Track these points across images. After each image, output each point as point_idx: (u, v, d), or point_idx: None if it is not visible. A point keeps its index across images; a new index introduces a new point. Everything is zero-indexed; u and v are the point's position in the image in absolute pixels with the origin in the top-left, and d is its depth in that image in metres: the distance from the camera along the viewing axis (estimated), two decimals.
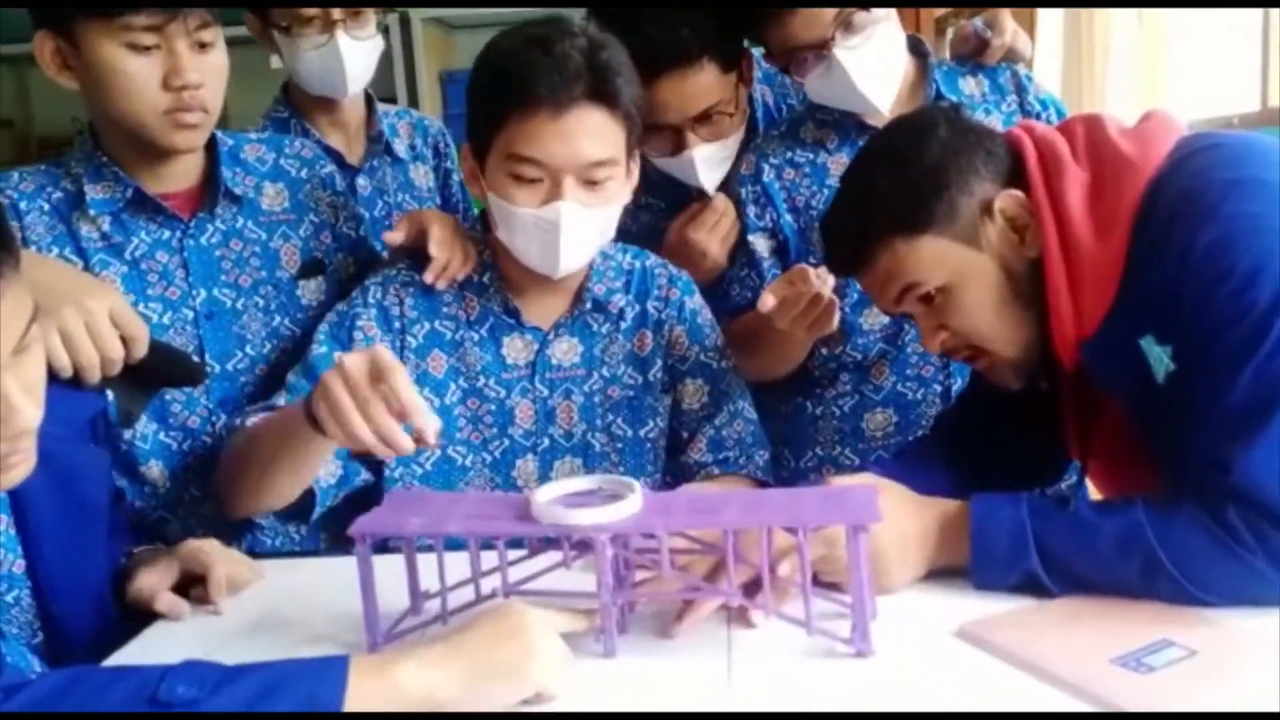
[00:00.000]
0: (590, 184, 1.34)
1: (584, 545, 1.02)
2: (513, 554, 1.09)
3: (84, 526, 1.18)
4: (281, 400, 1.40)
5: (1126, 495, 1.10)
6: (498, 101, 1.32)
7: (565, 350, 1.48)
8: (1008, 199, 1.15)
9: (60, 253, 1.42)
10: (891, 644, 1.00)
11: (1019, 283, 1.16)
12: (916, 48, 1.68)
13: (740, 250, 1.71)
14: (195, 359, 1.43)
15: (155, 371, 1.28)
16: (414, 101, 3.59)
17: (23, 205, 1.42)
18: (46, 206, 1.43)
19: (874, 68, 1.56)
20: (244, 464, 1.33)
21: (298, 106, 1.94)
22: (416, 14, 3.44)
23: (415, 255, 1.48)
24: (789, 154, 1.67)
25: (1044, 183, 1.14)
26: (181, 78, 1.35)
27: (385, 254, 1.62)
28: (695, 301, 1.55)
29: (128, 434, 1.44)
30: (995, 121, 1.65)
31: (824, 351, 1.66)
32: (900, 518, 1.11)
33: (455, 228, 1.50)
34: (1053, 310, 1.13)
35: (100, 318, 1.19)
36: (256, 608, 1.22)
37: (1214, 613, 1.01)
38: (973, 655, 0.99)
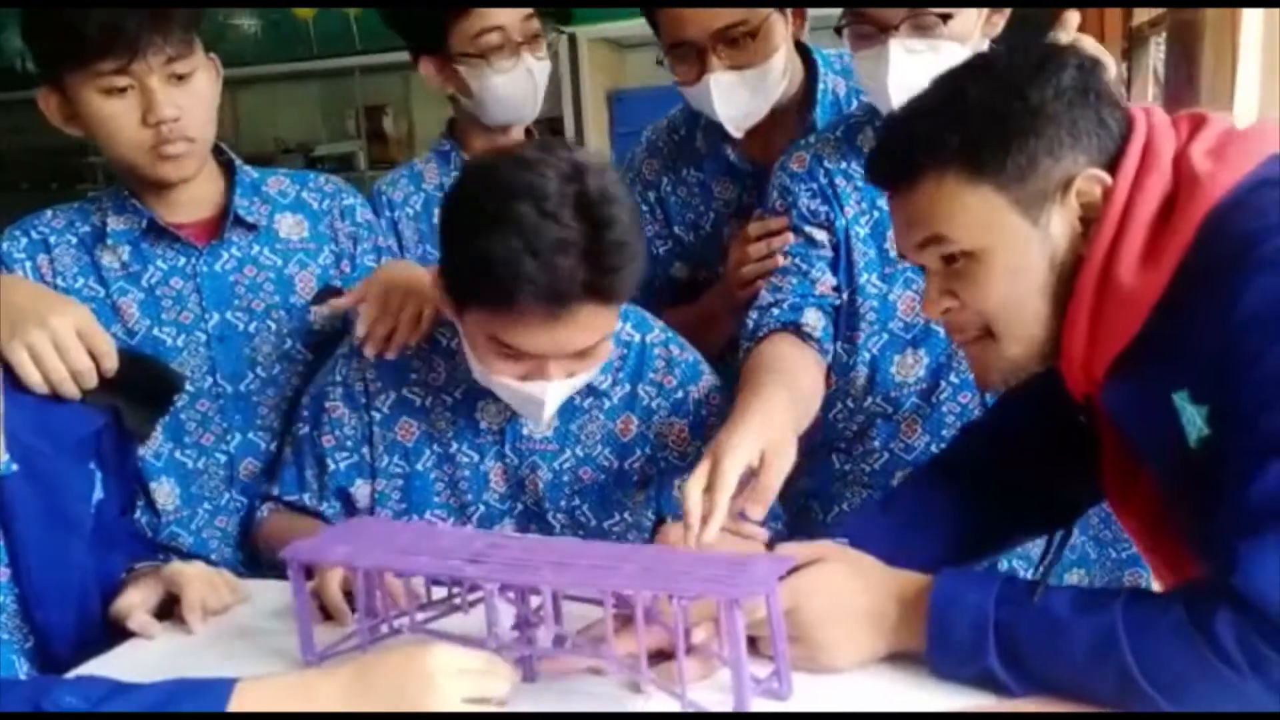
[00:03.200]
0: (580, 357, 1.26)
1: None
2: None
3: (65, 538, 1.25)
4: (279, 480, 1.48)
5: (1108, 590, 0.99)
6: (476, 289, 1.22)
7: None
8: (1095, 182, 0.98)
9: (85, 282, 1.52)
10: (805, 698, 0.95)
11: (1058, 278, 1.00)
12: None
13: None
14: (173, 369, 1.48)
15: (134, 383, 1.34)
16: (580, 121, 3.61)
17: (52, 240, 1.53)
18: (74, 240, 1.53)
19: (917, 83, 1.47)
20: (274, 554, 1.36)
21: (461, 139, 1.96)
22: (584, 33, 3.46)
23: None
24: (844, 163, 1.53)
25: (1134, 179, 0.98)
26: (156, 114, 1.41)
27: None
28: (701, 389, 1.44)
29: (142, 451, 1.52)
30: None
31: (850, 404, 1.55)
32: (848, 591, 1.02)
33: (404, 289, 1.44)
34: (1067, 330, 1.00)
35: (65, 334, 1.26)
36: (230, 624, 1.26)
37: None
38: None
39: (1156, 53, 2.68)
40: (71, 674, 1.14)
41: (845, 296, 1.51)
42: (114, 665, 1.18)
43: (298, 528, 1.39)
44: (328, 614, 1.18)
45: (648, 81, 3.25)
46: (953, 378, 1.51)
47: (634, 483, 1.42)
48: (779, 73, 1.63)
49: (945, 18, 1.37)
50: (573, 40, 3.45)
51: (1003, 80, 1.00)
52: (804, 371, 1.40)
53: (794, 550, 1.06)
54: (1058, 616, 0.92)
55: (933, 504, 1.23)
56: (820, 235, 1.51)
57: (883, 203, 1.48)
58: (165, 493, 1.55)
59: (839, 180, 1.52)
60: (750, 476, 1.15)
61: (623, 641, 0.99)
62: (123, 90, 1.41)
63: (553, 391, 1.27)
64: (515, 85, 1.83)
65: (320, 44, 4.13)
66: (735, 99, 1.61)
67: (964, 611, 0.96)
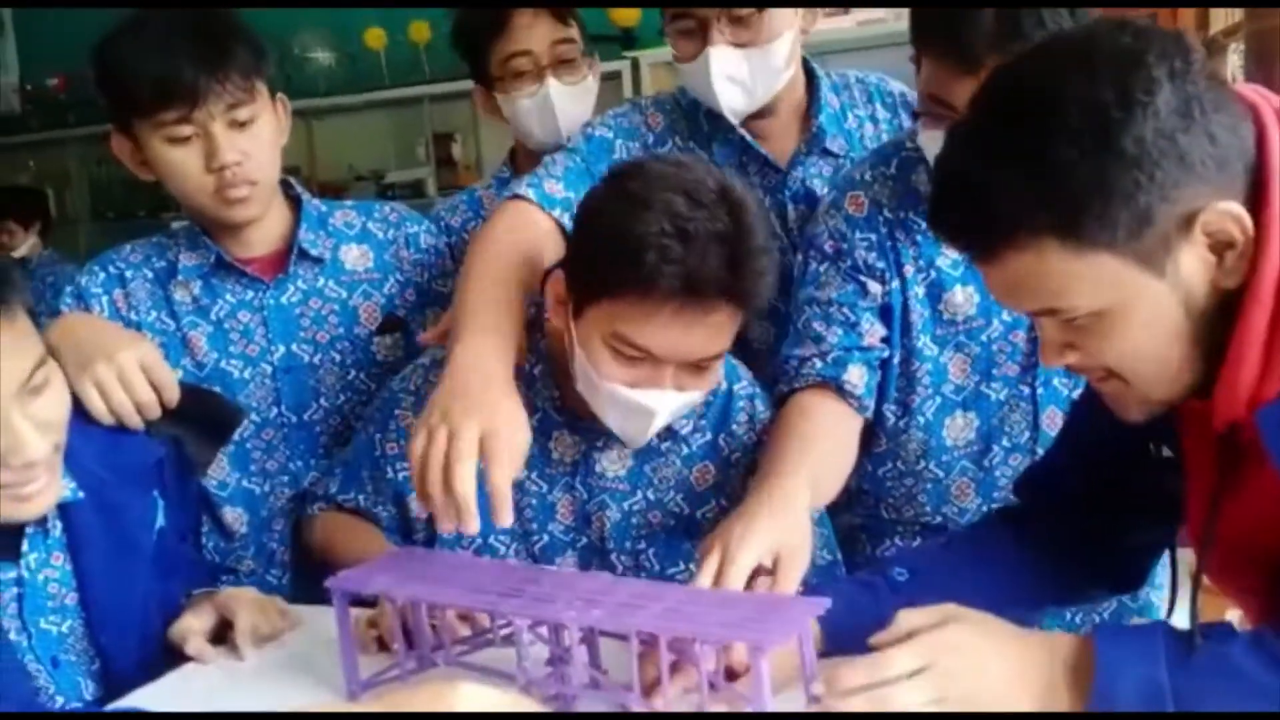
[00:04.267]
0: (696, 370, 1.23)
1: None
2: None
3: (129, 564, 1.29)
4: (335, 478, 1.48)
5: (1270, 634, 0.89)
6: (617, 278, 1.18)
7: (613, 459, 1.38)
8: (1222, 216, 0.85)
9: (158, 316, 1.57)
10: None
11: (1197, 317, 0.88)
12: None
13: (830, 292, 1.44)
14: (232, 402, 1.53)
15: (195, 415, 1.38)
16: None
17: (128, 274, 1.58)
18: (150, 275, 1.59)
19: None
20: (325, 554, 1.41)
21: (519, 167, 1.98)
22: (646, 57, 3.50)
23: None
24: (903, 212, 1.42)
25: None
26: (219, 159, 1.45)
27: None
28: None
29: (209, 480, 1.56)
30: None
31: (901, 466, 1.50)
32: (995, 651, 0.93)
33: None
34: (1233, 358, 0.87)
35: (130, 368, 1.30)
36: (280, 652, 1.29)
37: None
38: None
39: (1235, 61, 2.56)
40: (127, 699, 1.19)
41: (900, 358, 1.45)
42: (167, 690, 1.22)
43: (349, 530, 1.39)
44: (383, 645, 1.19)
45: None
46: (1004, 441, 1.47)
47: (703, 533, 1.35)
48: (782, 59, 1.55)
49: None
50: (635, 65, 3.48)
51: (1090, 125, 0.83)
52: (839, 439, 1.36)
53: (918, 613, 0.97)
54: (1248, 674, 0.86)
55: (996, 547, 1.18)
56: (874, 288, 1.43)
57: (941, 262, 1.43)
58: (232, 519, 1.59)
59: (899, 235, 1.43)
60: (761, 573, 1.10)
61: (649, 678, 0.97)
62: (186, 139, 1.45)
63: (665, 403, 1.23)
64: (537, 110, 1.84)
65: (391, 74, 4.26)
66: (735, 77, 1.53)
67: (1134, 684, 0.88)
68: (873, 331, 1.43)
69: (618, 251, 1.17)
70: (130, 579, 1.29)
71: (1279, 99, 0.90)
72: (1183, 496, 1.02)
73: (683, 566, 1.38)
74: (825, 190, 1.60)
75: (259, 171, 1.50)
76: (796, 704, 0.96)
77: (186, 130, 1.45)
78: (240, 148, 1.47)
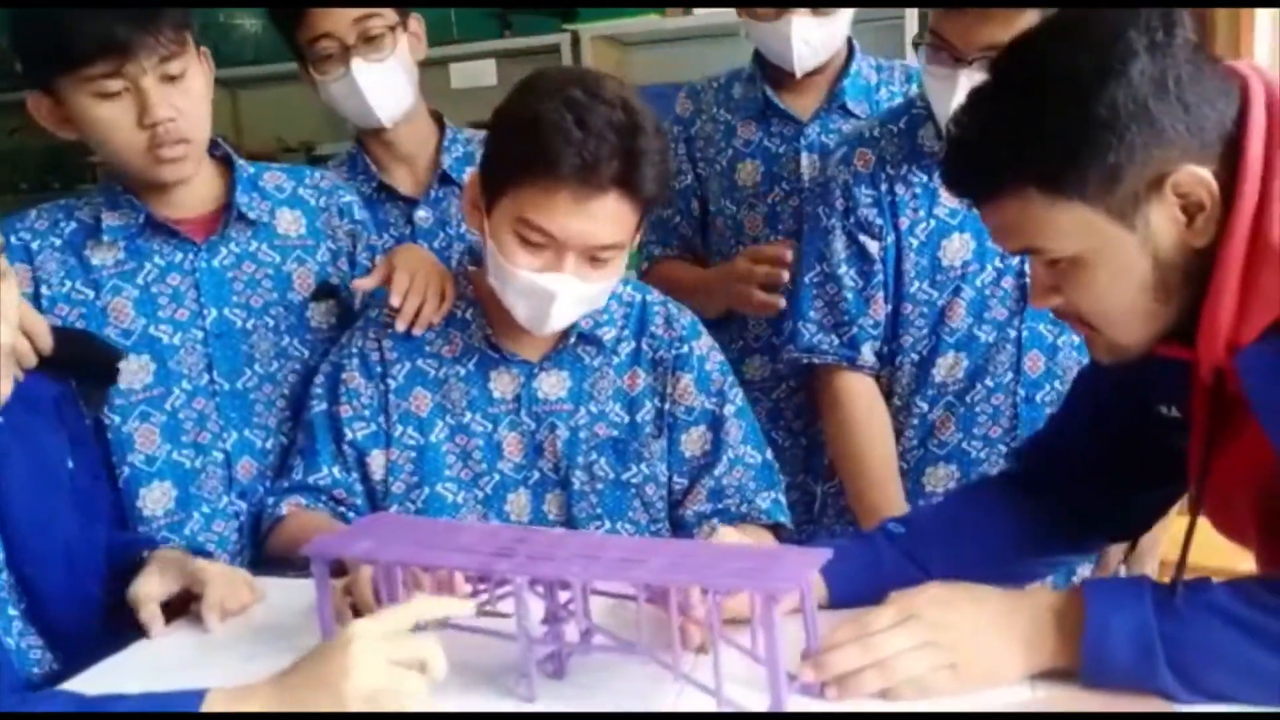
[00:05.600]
0: (595, 261, 1.32)
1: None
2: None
3: (48, 496, 1.23)
4: (298, 465, 1.47)
5: (1254, 581, 0.94)
6: (521, 161, 1.28)
7: (553, 383, 1.46)
8: (1191, 178, 0.91)
9: (73, 286, 1.48)
10: None
11: (1166, 272, 0.95)
12: None
13: (838, 247, 1.62)
14: (110, 341, 1.45)
15: (74, 359, 1.31)
16: None
17: (34, 245, 1.49)
18: (59, 243, 1.50)
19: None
20: (290, 552, 1.36)
21: (362, 142, 1.92)
22: (587, 31, 3.41)
23: None
24: (904, 168, 1.58)
25: (1265, 150, 0.91)
26: (151, 115, 1.38)
27: None
28: (702, 345, 1.49)
29: (131, 458, 1.50)
30: None
31: (895, 402, 1.64)
32: (985, 604, 0.99)
33: (425, 269, 1.49)
34: (1209, 309, 0.93)
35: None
36: (249, 624, 1.25)
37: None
38: None
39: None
40: (92, 671, 1.15)
41: (892, 306, 1.59)
42: (135, 663, 1.17)
43: (318, 524, 1.38)
44: (358, 612, 1.16)
45: (652, 80, 3.25)
46: (988, 380, 1.59)
47: (647, 434, 1.46)
48: (846, 24, 1.77)
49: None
50: (576, 39, 3.44)
51: (1068, 91, 0.92)
52: (881, 435, 1.62)
53: (911, 595, 1.01)
54: (1229, 614, 0.90)
55: (988, 510, 1.22)
56: (872, 247, 1.59)
57: (939, 210, 1.57)
58: (157, 497, 1.52)
59: (899, 189, 1.59)
60: None
61: (654, 633, 0.98)
62: (116, 93, 1.38)
63: (565, 286, 1.31)
64: (348, 92, 1.76)
65: None
66: (810, 41, 1.74)
67: (1124, 628, 0.92)
68: (877, 299, 1.60)
69: (522, 138, 1.27)
70: (50, 512, 1.23)
71: (1276, 74, 0.96)
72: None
73: (634, 469, 1.45)
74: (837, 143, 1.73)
75: (192, 128, 1.44)
76: (793, 645, 0.98)
77: (116, 85, 1.38)
78: (173, 103, 1.40)
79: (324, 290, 1.61)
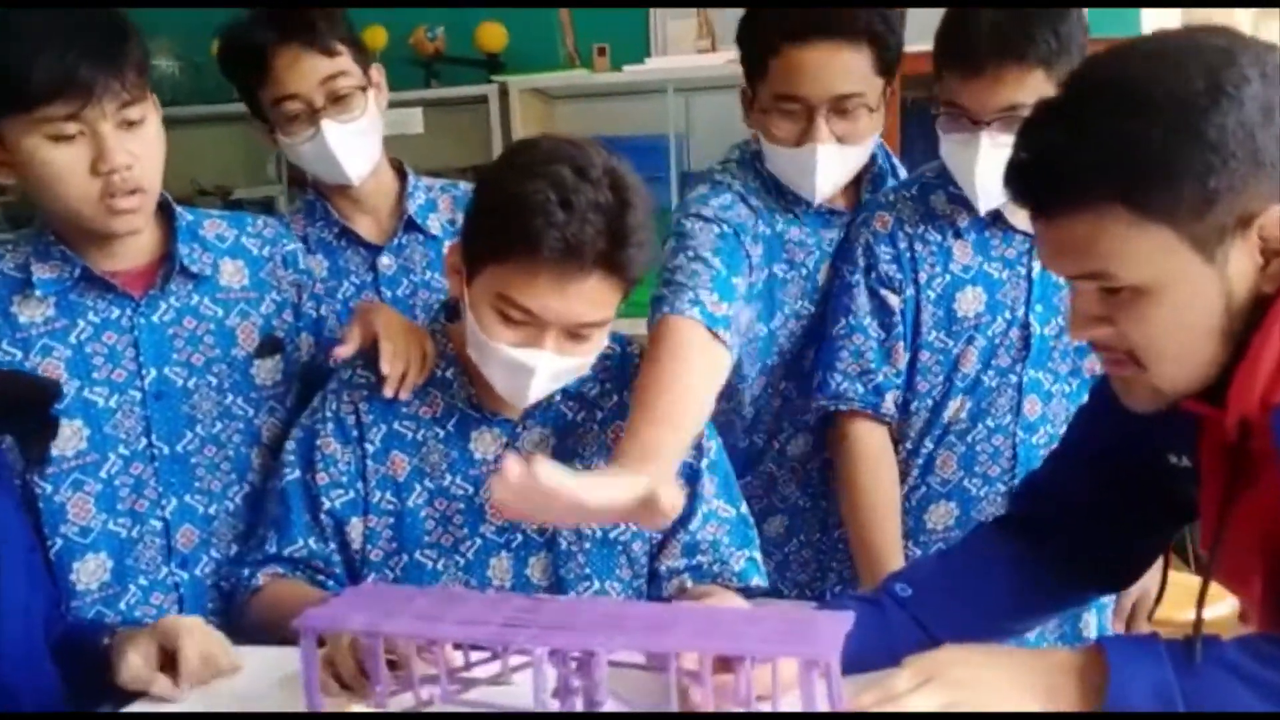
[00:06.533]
0: (576, 338, 1.29)
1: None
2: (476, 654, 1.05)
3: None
4: (270, 537, 1.39)
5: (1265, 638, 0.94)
6: (503, 238, 1.25)
7: (537, 441, 1.40)
8: (1277, 221, 0.89)
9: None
10: None
11: (1233, 314, 0.92)
12: None
13: (862, 301, 1.64)
14: (42, 377, 1.35)
15: (10, 403, 1.24)
16: None
17: None
18: None
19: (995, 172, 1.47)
20: (271, 623, 1.31)
21: (322, 189, 1.82)
22: (515, 84, 3.41)
23: (372, 353, 1.42)
24: (921, 227, 1.64)
25: None
26: (108, 162, 1.30)
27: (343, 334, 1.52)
28: None
29: (64, 530, 1.38)
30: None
31: (906, 445, 1.68)
32: (1002, 662, 0.98)
33: (408, 329, 1.44)
34: (1252, 355, 0.91)
35: None
36: (228, 694, 1.17)
37: None
38: None
39: None
40: None
41: (910, 356, 1.64)
42: None
43: (300, 593, 1.31)
44: (340, 684, 1.09)
45: (577, 132, 3.27)
46: (989, 421, 1.65)
47: None
48: (866, 156, 1.66)
49: None
50: (504, 91, 3.42)
51: (1175, 109, 0.88)
52: (890, 480, 1.64)
53: (930, 659, 0.99)
54: (1243, 672, 0.91)
55: (992, 554, 1.22)
56: (893, 301, 1.63)
57: (954, 266, 1.63)
58: (92, 569, 1.40)
59: (917, 246, 1.64)
60: None
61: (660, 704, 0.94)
62: (71, 137, 1.29)
63: (544, 362, 1.27)
64: (317, 153, 1.69)
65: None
66: (832, 171, 1.61)
67: (1146, 686, 0.92)
68: (897, 350, 1.64)
69: (506, 216, 1.24)
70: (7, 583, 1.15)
71: None
72: (1194, 504, 1.07)
73: (621, 526, 1.40)
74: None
75: (146, 178, 1.35)
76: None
77: (73, 128, 1.28)
78: (130, 150, 1.31)
79: (269, 345, 1.53)
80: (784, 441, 1.75)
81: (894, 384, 1.65)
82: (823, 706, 0.88)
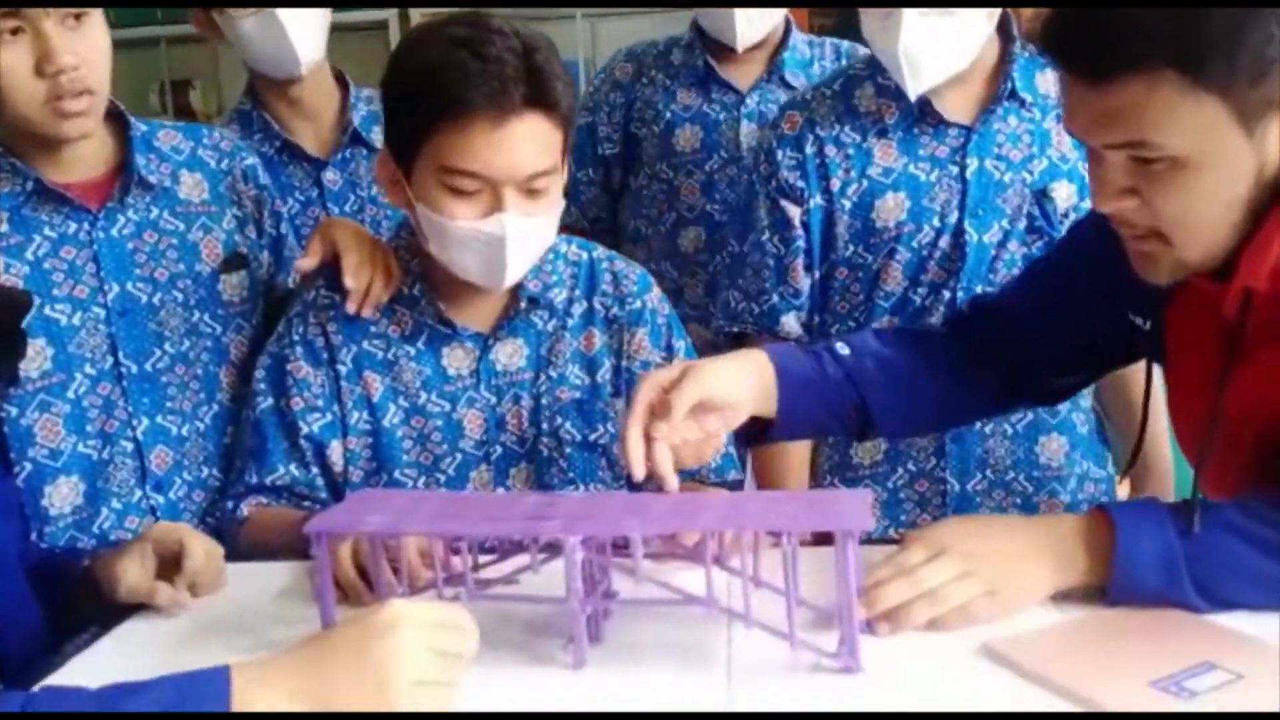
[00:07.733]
0: (532, 193, 1.26)
1: (554, 548, 0.95)
2: (484, 557, 1.04)
3: None
4: (250, 467, 1.35)
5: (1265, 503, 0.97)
6: (427, 110, 1.23)
7: (509, 353, 1.39)
8: None
9: None
10: (906, 660, 0.93)
11: (1260, 189, 0.93)
12: (1004, 27, 1.52)
13: (761, 214, 1.58)
14: (9, 288, 1.28)
15: None
16: None
17: None
18: None
19: (934, 45, 1.42)
20: (262, 546, 1.28)
21: (260, 98, 1.78)
22: (417, 11, 3.40)
23: (334, 272, 1.37)
24: (836, 129, 1.53)
25: None
26: (54, 62, 1.23)
27: (302, 251, 1.47)
28: (653, 298, 1.45)
29: (33, 453, 1.33)
30: (1063, 137, 1.49)
31: None
32: (1007, 531, 1.02)
33: (371, 244, 1.40)
34: (1268, 231, 0.93)
35: None
36: (231, 606, 1.13)
37: (1260, 632, 0.92)
38: (995, 674, 0.91)
39: None
40: (76, 661, 1.04)
41: (822, 272, 1.56)
42: (122, 650, 1.06)
43: (290, 516, 1.27)
44: (343, 591, 1.08)
45: None
46: None
47: (609, 394, 1.42)
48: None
49: None
50: (405, 17, 3.43)
51: None
52: None
53: (927, 532, 1.04)
54: (1242, 531, 0.95)
55: (927, 353, 1.24)
56: (793, 212, 1.54)
57: (873, 170, 1.52)
58: (64, 493, 1.36)
59: (829, 149, 1.53)
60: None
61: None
62: (13, 34, 1.22)
63: (511, 226, 1.24)
64: (264, 31, 1.65)
65: (121, 14, 3.70)
66: (753, 19, 1.86)
67: (1151, 550, 0.96)
68: (795, 269, 1.56)
69: (423, 87, 1.23)
70: None
71: None
72: (1138, 358, 1.15)
73: (601, 429, 1.40)
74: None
75: (94, 79, 1.28)
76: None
77: (12, 23, 1.21)
78: (76, 49, 1.25)
79: (233, 260, 1.48)
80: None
81: (792, 305, 1.57)
82: (855, 574, 0.90)
